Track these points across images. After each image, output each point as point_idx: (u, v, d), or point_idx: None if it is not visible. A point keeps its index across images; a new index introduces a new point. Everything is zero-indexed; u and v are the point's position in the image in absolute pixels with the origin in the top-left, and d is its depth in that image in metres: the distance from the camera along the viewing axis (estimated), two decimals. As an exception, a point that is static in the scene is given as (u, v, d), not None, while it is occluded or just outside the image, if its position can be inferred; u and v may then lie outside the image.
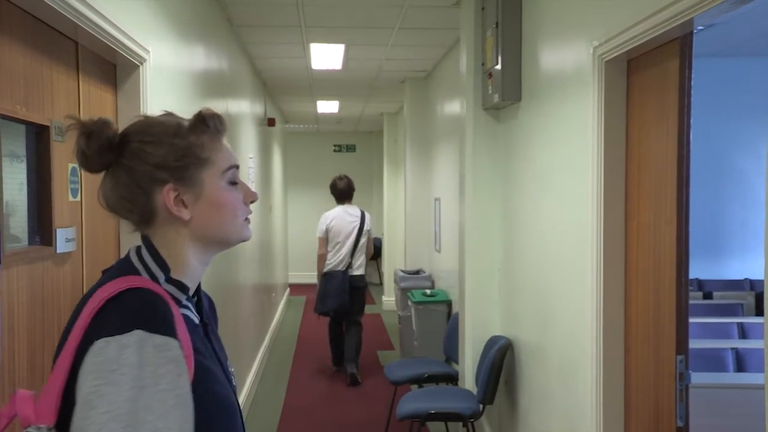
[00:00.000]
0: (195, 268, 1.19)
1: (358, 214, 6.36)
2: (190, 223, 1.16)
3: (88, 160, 1.12)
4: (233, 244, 1.23)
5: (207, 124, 1.17)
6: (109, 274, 1.13)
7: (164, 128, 1.15)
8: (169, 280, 1.14)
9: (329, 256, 6.28)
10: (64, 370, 1.01)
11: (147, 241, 1.17)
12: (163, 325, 1.02)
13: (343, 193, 6.38)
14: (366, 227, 6.33)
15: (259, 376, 6.36)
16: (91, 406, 0.93)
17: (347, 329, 6.45)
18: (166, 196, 1.13)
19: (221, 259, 4.37)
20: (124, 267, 1.14)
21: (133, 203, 1.14)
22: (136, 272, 1.12)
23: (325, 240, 6.29)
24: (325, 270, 6.28)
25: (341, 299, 6.16)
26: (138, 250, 1.17)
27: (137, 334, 0.98)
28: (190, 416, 0.99)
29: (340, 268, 6.22)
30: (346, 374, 6.36)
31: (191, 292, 1.19)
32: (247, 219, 1.23)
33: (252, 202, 1.24)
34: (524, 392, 3.80)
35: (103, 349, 0.97)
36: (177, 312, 1.08)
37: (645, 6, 2.23)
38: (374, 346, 7.81)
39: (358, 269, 6.30)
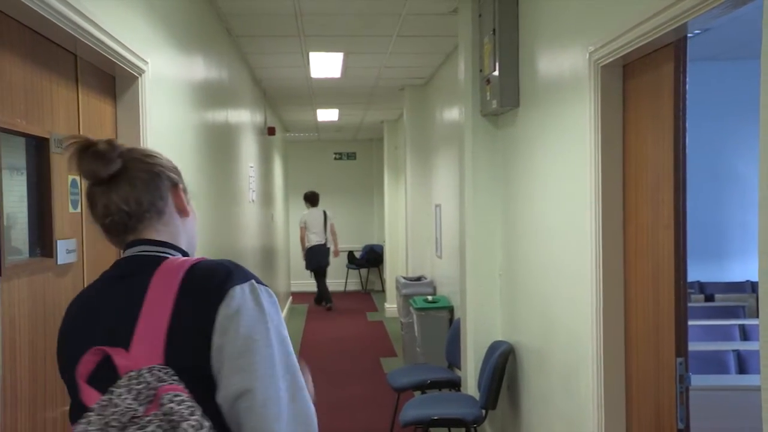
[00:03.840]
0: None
1: (322, 211, 10.81)
2: (188, 219, 1.35)
3: (106, 164, 1.24)
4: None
5: None
6: (142, 271, 1.22)
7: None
8: None
9: (310, 237, 10.66)
10: (162, 322, 1.14)
11: (149, 241, 1.29)
12: (256, 278, 1.23)
13: (312, 200, 10.82)
14: (327, 217, 10.77)
15: (262, 385, 6.36)
16: (262, 320, 1.17)
17: (322, 278, 11.06)
18: (181, 193, 1.34)
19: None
20: (156, 258, 1.26)
21: (154, 198, 1.28)
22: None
23: (303, 227, 10.75)
24: (309, 246, 10.67)
25: (322, 261, 10.75)
26: (143, 251, 1.28)
27: (254, 283, 1.20)
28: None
29: (319, 242, 10.67)
30: (325, 307, 10.96)
31: None
32: None
33: None
34: (526, 397, 3.80)
35: (242, 291, 1.17)
36: None
37: (639, 11, 2.25)
38: (377, 352, 7.81)
39: (329, 243, 10.82)
